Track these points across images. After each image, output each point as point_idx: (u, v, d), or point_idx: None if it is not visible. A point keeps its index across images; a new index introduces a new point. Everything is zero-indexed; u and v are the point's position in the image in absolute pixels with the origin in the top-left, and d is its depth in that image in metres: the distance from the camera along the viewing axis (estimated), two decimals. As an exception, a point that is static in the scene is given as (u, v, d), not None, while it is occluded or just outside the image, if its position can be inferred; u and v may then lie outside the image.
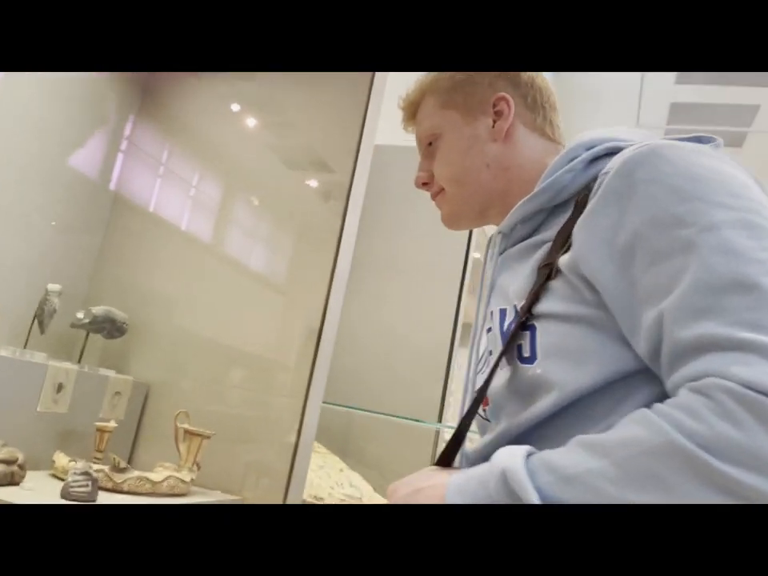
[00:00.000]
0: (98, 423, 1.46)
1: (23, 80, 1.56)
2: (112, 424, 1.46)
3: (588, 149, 0.81)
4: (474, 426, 0.87)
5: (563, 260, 0.73)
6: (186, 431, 1.50)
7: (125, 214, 1.88)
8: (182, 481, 1.42)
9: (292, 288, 1.84)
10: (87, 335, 1.61)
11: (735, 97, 4.48)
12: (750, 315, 0.57)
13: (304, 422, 1.55)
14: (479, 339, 0.90)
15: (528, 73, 0.91)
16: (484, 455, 0.81)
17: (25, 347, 1.47)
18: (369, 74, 1.70)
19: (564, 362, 0.70)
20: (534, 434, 0.74)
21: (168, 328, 1.77)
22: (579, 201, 0.78)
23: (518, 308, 0.79)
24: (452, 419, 2.51)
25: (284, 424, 1.61)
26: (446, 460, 0.79)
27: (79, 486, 1.21)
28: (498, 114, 0.89)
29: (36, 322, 1.50)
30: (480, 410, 0.85)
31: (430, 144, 0.94)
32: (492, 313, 0.86)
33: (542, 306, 0.74)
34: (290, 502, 1.52)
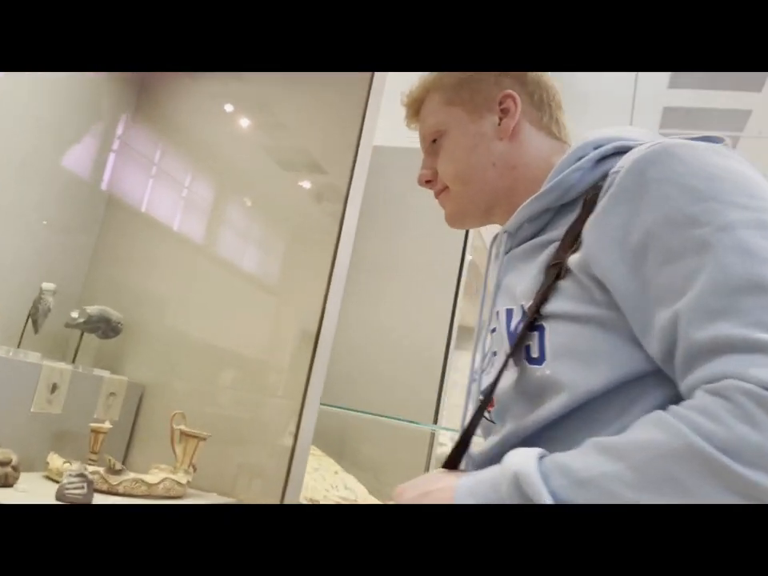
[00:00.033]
0: (92, 424, 1.44)
1: (19, 79, 1.54)
2: (107, 425, 1.44)
3: (596, 148, 0.81)
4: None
5: (573, 259, 0.73)
6: (182, 433, 1.48)
7: (119, 214, 1.86)
8: (178, 483, 1.40)
9: (287, 289, 1.82)
10: (82, 335, 1.59)
11: (727, 102, 4.50)
12: (766, 316, 0.56)
13: (301, 424, 1.53)
14: (485, 339, 0.89)
15: None
16: (490, 457, 0.80)
17: (18, 347, 1.45)
18: (366, 74, 1.69)
19: (574, 363, 0.69)
20: (542, 436, 0.73)
21: (163, 328, 1.76)
22: (588, 200, 0.77)
23: (526, 308, 0.78)
24: (447, 421, 2.51)
25: (281, 426, 1.59)
26: (452, 463, 0.78)
27: (74, 488, 1.19)
28: (505, 112, 0.88)
29: (30, 321, 1.47)
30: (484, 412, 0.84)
31: (434, 141, 0.93)
32: (498, 313, 0.85)
33: (551, 306, 0.73)
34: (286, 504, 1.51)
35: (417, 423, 2.26)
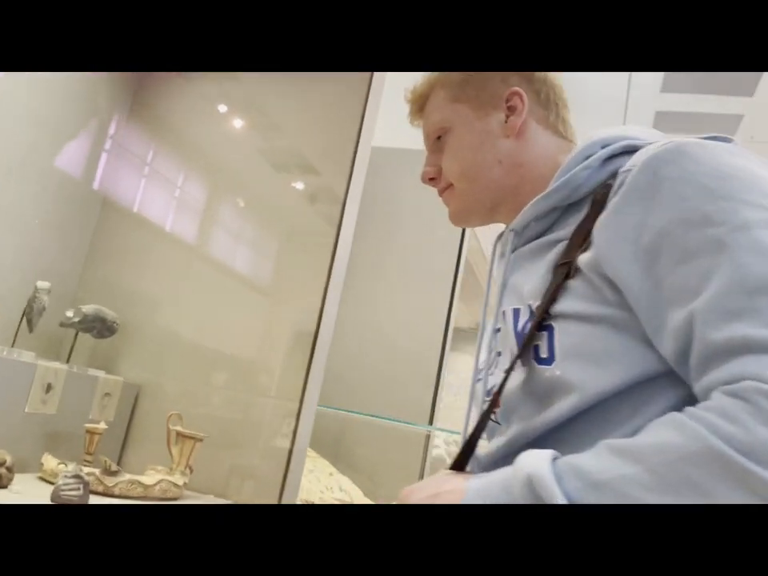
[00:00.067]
0: (87, 425, 1.42)
1: (14, 79, 1.52)
2: (102, 426, 1.42)
3: (603, 146, 0.80)
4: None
5: (583, 259, 0.72)
6: (179, 434, 1.46)
7: (114, 214, 1.84)
8: (175, 484, 1.38)
9: (283, 290, 1.81)
10: (76, 334, 1.57)
11: (719, 106, 4.54)
12: None
13: (299, 426, 1.52)
14: (490, 339, 0.88)
15: None
16: (496, 459, 0.79)
17: (13, 346, 1.43)
18: (361, 75, 1.68)
19: (585, 364, 0.69)
20: (551, 438, 0.72)
21: (158, 329, 1.74)
22: (597, 199, 0.76)
23: (533, 308, 0.77)
24: (442, 423, 2.50)
25: (278, 428, 1.58)
26: (459, 465, 0.77)
27: (70, 490, 1.17)
28: (511, 110, 0.87)
29: (25, 320, 1.45)
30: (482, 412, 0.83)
31: (439, 138, 0.92)
32: (504, 313, 0.84)
33: (561, 306, 0.73)
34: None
35: (412, 424, 2.25)
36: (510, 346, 0.81)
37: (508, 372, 0.76)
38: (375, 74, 1.66)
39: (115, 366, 1.68)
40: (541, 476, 0.59)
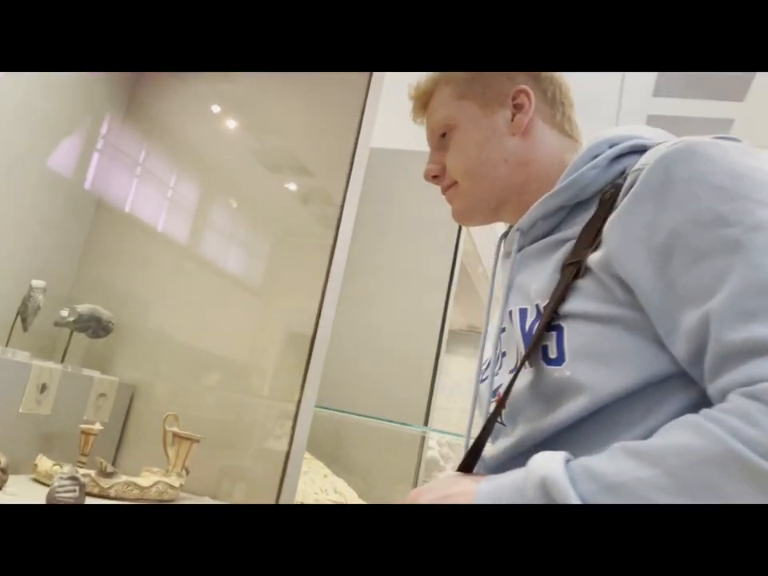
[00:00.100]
0: (82, 426, 1.40)
1: (12, 79, 1.50)
2: (97, 426, 1.40)
3: (611, 146, 0.80)
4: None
5: (593, 258, 0.71)
6: (175, 435, 1.45)
7: (108, 214, 1.83)
8: (171, 486, 1.37)
9: (279, 292, 1.80)
10: (71, 334, 1.55)
11: (710, 110, 4.57)
12: None
13: (296, 428, 1.51)
14: (495, 340, 0.87)
15: None
16: (503, 461, 0.78)
17: (7, 345, 1.41)
18: (357, 75, 1.67)
19: (596, 364, 0.68)
20: (560, 439, 0.71)
21: (154, 329, 1.72)
22: (605, 198, 0.76)
23: (541, 307, 0.77)
24: (436, 425, 2.49)
25: (275, 430, 1.57)
26: (467, 466, 0.76)
27: (66, 492, 1.15)
28: (518, 108, 0.86)
29: (19, 319, 1.43)
30: (488, 413, 0.82)
31: (443, 135, 0.90)
32: (511, 312, 0.83)
33: (570, 306, 0.72)
34: (280, 508, 1.48)
35: (408, 425, 2.24)
36: (517, 346, 0.81)
37: (516, 372, 0.76)
38: (377, 74, 1.65)
39: (109, 366, 1.66)
40: (555, 478, 0.58)
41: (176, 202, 1.91)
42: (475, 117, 0.87)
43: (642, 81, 4.22)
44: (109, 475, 1.29)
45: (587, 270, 0.72)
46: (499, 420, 0.81)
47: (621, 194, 0.72)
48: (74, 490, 1.16)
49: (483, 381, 0.90)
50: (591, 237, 0.74)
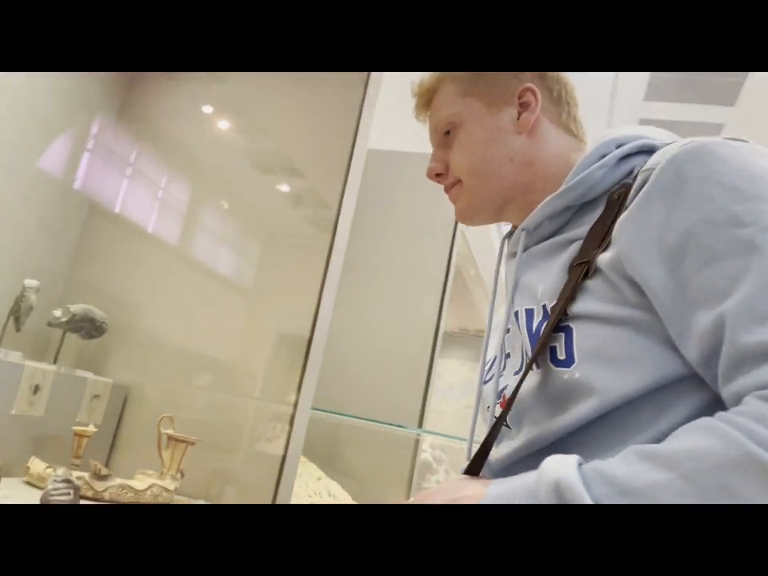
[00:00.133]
0: (76, 428, 1.38)
1: (10, 79, 1.48)
2: (91, 428, 1.38)
3: (618, 146, 0.79)
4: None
5: (602, 258, 0.70)
6: (170, 437, 1.43)
7: (100, 214, 1.81)
8: (166, 489, 1.35)
9: (274, 294, 1.79)
10: (64, 334, 1.53)
11: (701, 115, 4.60)
12: None
13: (292, 431, 1.50)
14: (500, 341, 0.86)
15: None
16: (508, 464, 0.77)
17: (-1, 346, 1.39)
18: (351, 76, 1.66)
19: (606, 366, 0.67)
20: (569, 441, 0.70)
21: (148, 330, 1.70)
22: (613, 198, 0.75)
23: (548, 308, 0.76)
24: (430, 428, 2.48)
25: (270, 432, 1.55)
26: (474, 469, 0.75)
27: (60, 495, 1.13)
28: (524, 106, 0.85)
29: (12, 319, 1.41)
30: (494, 415, 0.81)
31: (447, 133, 0.89)
32: (516, 313, 0.82)
33: (579, 306, 0.71)
34: (276, 511, 1.46)
35: (403, 427, 2.23)
36: (522, 347, 0.80)
37: (524, 374, 0.74)
38: (375, 74, 1.64)
39: (103, 367, 1.64)
40: (568, 482, 0.57)
41: (168, 203, 1.90)
42: (480, 115, 0.86)
43: (634, 85, 4.24)
44: (103, 478, 1.27)
45: (596, 270, 0.71)
46: (504, 423, 0.80)
47: (631, 193, 0.72)
48: (69, 493, 1.14)
49: (486, 382, 0.89)
50: (600, 237, 0.73)
